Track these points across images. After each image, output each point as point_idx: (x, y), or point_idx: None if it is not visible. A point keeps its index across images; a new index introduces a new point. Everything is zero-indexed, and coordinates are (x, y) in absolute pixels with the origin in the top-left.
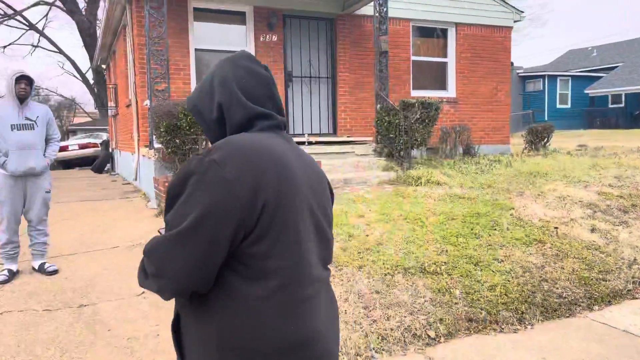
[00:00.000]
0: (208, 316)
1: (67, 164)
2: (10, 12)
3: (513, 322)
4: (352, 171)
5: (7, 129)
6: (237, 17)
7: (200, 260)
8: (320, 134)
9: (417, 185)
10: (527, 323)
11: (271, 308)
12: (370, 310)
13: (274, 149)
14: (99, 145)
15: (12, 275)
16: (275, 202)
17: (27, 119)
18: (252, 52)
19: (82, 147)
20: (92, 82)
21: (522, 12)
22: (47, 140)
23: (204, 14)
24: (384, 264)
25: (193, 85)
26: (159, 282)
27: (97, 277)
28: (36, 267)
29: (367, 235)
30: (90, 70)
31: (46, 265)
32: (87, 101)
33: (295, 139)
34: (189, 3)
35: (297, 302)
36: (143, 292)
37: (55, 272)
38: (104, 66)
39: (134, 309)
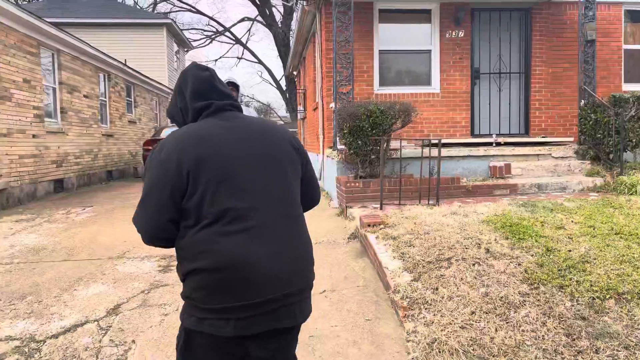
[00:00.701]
0: (178, 255)
1: None
2: (220, 29)
3: None
4: (547, 175)
5: None
6: (422, 16)
7: (154, 217)
8: (509, 135)
9: (631, 195)
10: None
11: (200, 240)
12: (574, 339)
13: (199, 131)
14: None
15: None
16: (195, 169)
17: None
18: (437, 50)
19: None
20: (284, 88)
21: None
22: None
23: (388, 15)
24: (591, 285)
25: (376, 86)
26: (139, 234)
27: None
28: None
29: (570, 251)
30: (284, 77)
31: None
32: (280, 106)
33: (482, 140)
34: (375, 5)
35: (221, 235)
36: (324, 291)
37: None
38: (295, 73)
39: (315, 307)
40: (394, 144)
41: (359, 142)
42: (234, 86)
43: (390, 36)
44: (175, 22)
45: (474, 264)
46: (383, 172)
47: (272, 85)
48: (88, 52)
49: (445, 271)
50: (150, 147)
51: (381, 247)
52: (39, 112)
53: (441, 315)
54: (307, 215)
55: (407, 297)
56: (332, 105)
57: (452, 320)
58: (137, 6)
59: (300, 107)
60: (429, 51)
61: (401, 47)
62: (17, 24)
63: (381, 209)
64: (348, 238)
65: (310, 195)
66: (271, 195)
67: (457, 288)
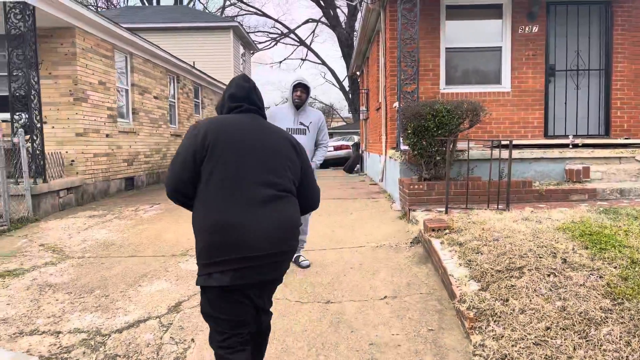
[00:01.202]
0: (193, 213)
1: (323, 164)
2: (285, 31)
3: None
4: (630, 180)
5: None
6: (493, 11)
7: (178, 172)
8: (587, 136)
9: None
10: None
11: (209, 198)
12: None
13: (227, 119)
14: (351, 147)
15: None
16: (214, 143)
17: (301, 124)
18: (508, 46)
19: (337, 148)
20: (347, 89)
21: None
22: (317, 145)
23: (456, 12)
24: None
25: (442, 85)
26: (166, 188)
27: (343, 274)
28: (292, 259)
29: None
30: (347, 78)
31: (301, 259)
32: (342, 107)
33: (556, 142)
34: (442, 1)
35: (224, 198)
36: (385, 297)
37: (308, 266)
38: (358, 73)
39: (376, 313)
40: (461, 145)
41: (424, 142)
42: (304, 88)
43: (457, 33)
44: (241, 25)
45: (548, 275)
46: (449, 174)
47: (335, 86)
48: (159, 55)
49: (516, 281)
50: None
51: (446, 254)
52: (113, 112)
53: (512, 330)
54: (368, 218)
55: (474, 308)
56: (396, 104)
57: (525, 336)
58: (206, 10)
59: (362, 107)
60: (499, 48)
61: (469, 44)
62: (93, 28)
63: (446, 213)
64: (411, 242)
65: (305, 197)
66: (268, 176)
67: (530, 300)
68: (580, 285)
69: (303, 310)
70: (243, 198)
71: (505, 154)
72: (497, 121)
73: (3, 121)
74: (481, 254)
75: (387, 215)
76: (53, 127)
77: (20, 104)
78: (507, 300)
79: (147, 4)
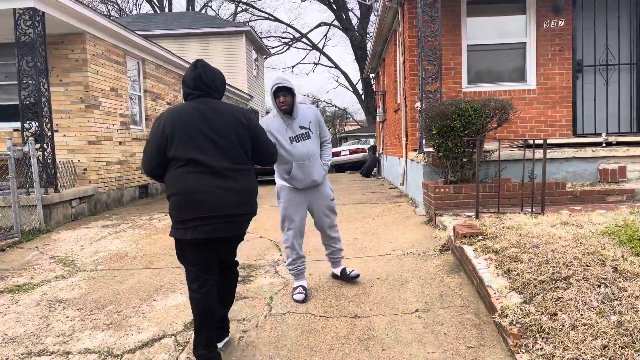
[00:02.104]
0: (165, 184)
1: (339, 168)
2: (297, 35)
3: None
4: None
5: (285, 142)
6: (515, 6)
7: (149, 160)
8: (619, 133)
9: None
10: None
11: (175, 176)
12: None
13: (180, 109)
14: (367, 150)
15: (307, 291)
16: (171, 133)
17: (301, 127)
18: (533, 42)
19: (352, 152)
20: (361, 92)
21: None
22: (320, 144)
23: (477, 8)
24: None
25: (464, 84)
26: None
27: (370, 285)
28: (338, 274)
29: None
30: (360, 81)
31: (348, 271)
32: (356, 110)
33: (586, 140)
34: None
35: (186, 173)
36: (417, 310)
37: (357, 276)
38: (372, 75)
39: (407, 328)
40: (488, 145)
41: (449, 143)
42: (287, 90)
43: (478, 30)
44: (253, 29)
45: (599, 286)
46: (478, 175)
47: (348, 90)
48: (171, 60)
49: (563, 293)
50: None
51: (481, 262)
52: (125, 119)
53: (564, 348)
54: (391, 223)
55: (517, 323)
56: (418, 104)
57: (579, 355)
58: (218, 16)
59: (379, 110)
60: (524, 44)
61: (491, 40)
62: (104, 34)
63: (477, 217)
64: (439, 250)
65: (259, 157)
66: (219, 153)
67: (581, 314)
68: (637, 297)
69: (329, 326)
70: (200, 171)
71: (536, 154)
72: (522, 120)
73: (15, 130)
74: (521, 262)
75: (411, 221)
76: (65, 135)
77: (30, 112)
78: (555, 314)
79: (159, 12)
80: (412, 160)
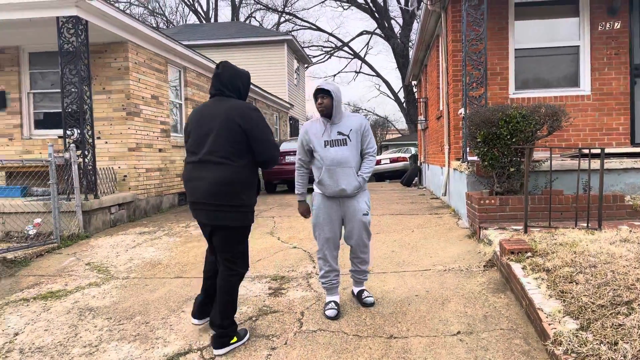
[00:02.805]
0: None
1: (379, 176)
2: (339, 44)
3: None
4: None
5: (320, 146)
6: (567, 7)
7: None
8: None
9: None
10: None
11: (185, 165)
12: None
13: (199, 108)
14: (408, 159)
15: (339, 306)
16: (189, 129)
17: (339, 133)
18: (587, 45)
19: (393, 160)
20: (402, 100)
21: None
22: (362, 155)
23: (526, 10)
24: None
25: (511, 90)
26: None
27: (407, 303)
28: (355, 293)
29: None
30: (402, 89)
31: (364, 295)
32: (397, 118)
33: None
34: None
35: (186, 164)
36: (458, 332)
37: (372, 304)
38: (414, 82)
39: (448, 352)
40: (536, 154)
41: (495, 152)
42: (324, 93)
43: (526, 33)
44: (295, 38)
45: None
46: (527, 186)
47: (390, 98)
48: (212, 68)
49: (625, 319)
50: None
51: (530, 282)
52: (166, 127)
53: None
54: (432, 236)
55: (573, 352)
56: (461, 111)
57: None
58: (261, 26)
59: (421, 117)
60: (577, 47)
61: (541, 44)
62: (146, 42)
63: (526, 232)
64: (484, 266)
65: (256, 156)
66: (207, 146)
67: None
68: None
69: (362, 346)
70: (194, 163)
71: (591, 164)
72: (575, 128)
73: (59, 137)
74: (576, 283)
75: (454, 234)
76: (106, 143)
77: (72, 119)
78: (616, 343)
79: (204, 22)
80: (454, 169)
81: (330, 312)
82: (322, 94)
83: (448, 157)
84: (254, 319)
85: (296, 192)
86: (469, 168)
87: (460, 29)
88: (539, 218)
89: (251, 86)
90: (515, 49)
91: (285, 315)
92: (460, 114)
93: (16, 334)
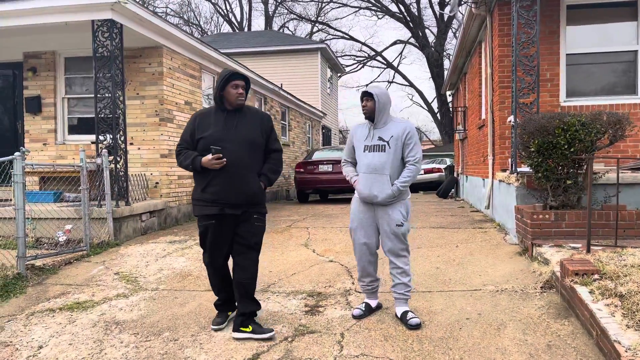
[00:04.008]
0: None
1: (413, 188)
2: (372, 54)
3: None
4: None
5: (360, 150)
6: (623, 10)
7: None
8: None
9: None
10: None
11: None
12: None
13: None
14: (443, 170)
15: (369, 310)
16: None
17: (379, 139)
18: None
19: (427, 171)
20: (436, 110)
21: None
22: (405, 163)
23: (578, 13)
24: None
25: (562, 97)
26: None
27: (458, 327)
28: (398, 315)
29: None
30: (436, 99)
31: (409, 316)
32: (430, 129)
33: None
34: (562, 1)
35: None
36: None
37: (418, 326)
38: (449, 92)
39: None
40: (595, 166)
41: (550, 162)
42: (368, 96)
43: (579, 37)
44: (329, 46)
45: None
46: (590, 200)
47: (423, 108)
48: None
49: None
50: (301, 169)
51: (601, 308)
52: None
53: None
54: (478, 252)
55: None
56: (511, 118)
57: None
58: (294, 35)
59: (459, 127)
60: (634, 52)
61: (594, 49)
62: (181, 47)
63: (589, 251)
64: (541, 288)
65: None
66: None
67: None
68: None
69: None
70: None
71: None
72: (633, 138)
73: (92, 142)
74: None
75: (502, 250)
76: (139, 149)
77: (105, 124)
78: None
79: (238, 31)
80: (500, 181)
81: (355, 312)
82: (367, 97)
83: (492, 168)
84: (289, 339)
85: (350, 175)
86: (518, 180)
87: (508, 32)
88: (598, 236)
89: (284, 94)
90: (567, 54)
91: (324, 337)
92: (509, 122)
93: (40, 347)
